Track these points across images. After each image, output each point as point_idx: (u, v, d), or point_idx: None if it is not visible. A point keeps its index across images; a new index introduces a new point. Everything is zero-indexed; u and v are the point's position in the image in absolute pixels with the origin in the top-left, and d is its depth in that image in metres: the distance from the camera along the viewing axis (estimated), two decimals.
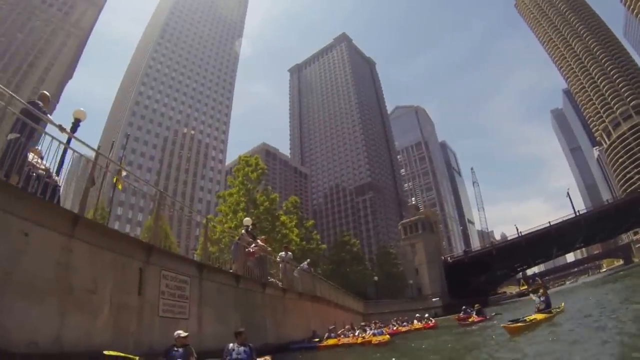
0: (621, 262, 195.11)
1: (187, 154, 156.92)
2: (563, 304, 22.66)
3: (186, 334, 11.45)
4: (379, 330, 27.62)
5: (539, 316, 18.63)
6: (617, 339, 10.65)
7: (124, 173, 16.57)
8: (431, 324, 37.73)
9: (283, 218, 60.45)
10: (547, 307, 20.20)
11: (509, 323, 16.81)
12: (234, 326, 16.82)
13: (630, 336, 10.79)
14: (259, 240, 22.79)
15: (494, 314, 34.66)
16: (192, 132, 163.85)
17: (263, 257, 22.31)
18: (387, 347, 21.85)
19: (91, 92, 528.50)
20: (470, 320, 31.10)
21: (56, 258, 9.94)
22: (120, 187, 16.19)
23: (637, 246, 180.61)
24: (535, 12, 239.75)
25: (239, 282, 18.71)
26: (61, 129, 11.44)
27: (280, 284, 24.09)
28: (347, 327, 29.49)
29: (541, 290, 21.92)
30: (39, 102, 11.67)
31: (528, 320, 17.50)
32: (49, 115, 11.62)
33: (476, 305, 35.26)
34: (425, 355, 15.83)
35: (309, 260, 35.19)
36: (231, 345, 12.08)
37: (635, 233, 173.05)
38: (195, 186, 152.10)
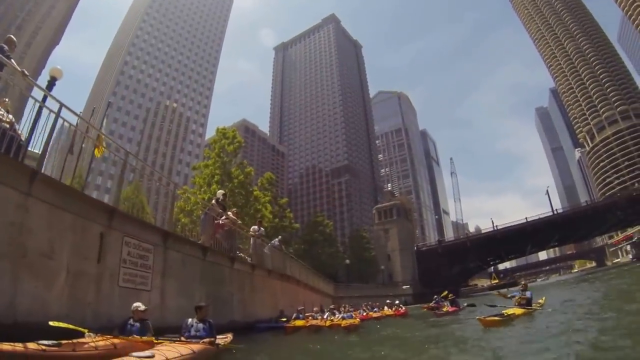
0: (593, 264, 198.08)
1: (168, 127, 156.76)
2: (544, 298, 21.72)
3: (144, 307, 10.65)
4: (349, 313, 27.14)
5: (518, 311, 17.86)
6: (589, 339, 10.13)
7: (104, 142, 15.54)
8: (402, 311, 37.41)
9: (257, 193, 59.50)
10: (527, 303, 19.35)
11: (485, 316, 15.94)
12: (199, 301, 16.08)
13: (605, 338, 10.26)
14: (230, 213, 21.98)
15: (466, 304, 33.57)
16: (175, 104, 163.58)
17: (233, 230, 21.51)
18: (357, 331, 21.24)
19: (78, 59, 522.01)
20: (444, 310, 30.68)
21: (10, 218, 9.16)
22: (98, 154, 15.27)
23: (611, 250, 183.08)
24: (530, 8, 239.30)
25: (206, 254, 17.86)
26: (23, 75, 10.52)
27: (249, 259, 23.30)
28: (315, 309, 28.60)
29: (522, 283, 21.55)
30: (4, 46, 10.89)
31: (506, 314, 16.88)
32: (13, 60, 10.71)
33: (450, 295, 34.99)
34: (396, 343, 14.89)
35: (280, 237, 34.49)
36: (190, 320, 11.23)
37: (610, 237, 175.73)
38: (174, 159, 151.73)
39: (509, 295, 21.19)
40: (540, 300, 20.60)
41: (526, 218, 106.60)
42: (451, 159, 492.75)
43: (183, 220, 42.17)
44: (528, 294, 19.64)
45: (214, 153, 56.52)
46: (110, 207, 13.00)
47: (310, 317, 25.13)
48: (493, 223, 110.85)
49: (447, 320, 24.75)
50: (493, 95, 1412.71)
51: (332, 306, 31.48)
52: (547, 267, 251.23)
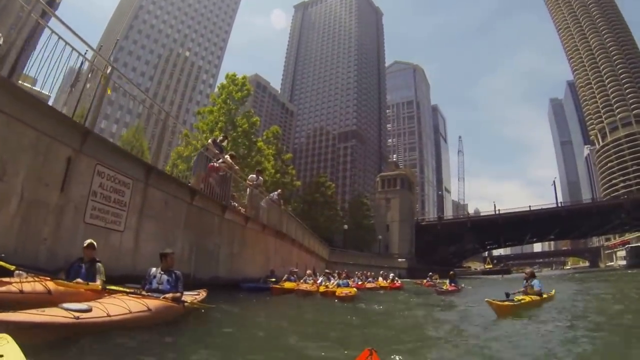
0: (587, 263, 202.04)
1: (179, 75, 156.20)
2: (554, 290, 19.95)
3: (95, 244, 8.82)
4: (345, 281, 24.63)
5: (528, 298, 15.96)
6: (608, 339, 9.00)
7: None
8: (397, 285, 35.66)
9: (260, 144, 57.49)
10: (536, 293, 16.98)
11: (495, 299, 13.63)
12: (181, 249, 14.34)
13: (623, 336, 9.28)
14: (227, 156, 19.92)
15: (462, 285, 32.35)
16: (187, 53, 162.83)
17: (228, 175, 19.55)
18: (353, 302, 18.73)
19: (91, 2, 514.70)
20: (445, 288, 28.53)
21: None
22: (109, 91, 13.50)
23: (606, 252, 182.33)
24: None
25: (194, 197, 15.91)
26: None
27: (243, 210, 21.36)
28: (308, 272, 26.41)
29: (527, 270, 19.46)
30: None
31: (516, 299, 15.09)
32: None
33: (451, 273, 32.68)
34: (402, 324, 12.89)
35: (280, 191, 32.50)
36: (154, 270, 9.12)
37: (607, 239, 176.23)
38: (181, 108, 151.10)
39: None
40: (550, 293, 18.81)
41: (530, 206, 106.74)
42: (460, 137, 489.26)
43: (180, 166, 40.54)
44: (536, 283, 17.22)
45: (220, 99, 54.38)
46: (84, 127, 10.97)
47: (302, 281, 23.49)
48: (495, 207, 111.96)
49: (451, 300, 22.87)
50: (507, 80, 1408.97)
51: (327, 271, 29.73)
52: (540, 260, 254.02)
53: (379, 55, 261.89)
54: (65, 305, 5.94)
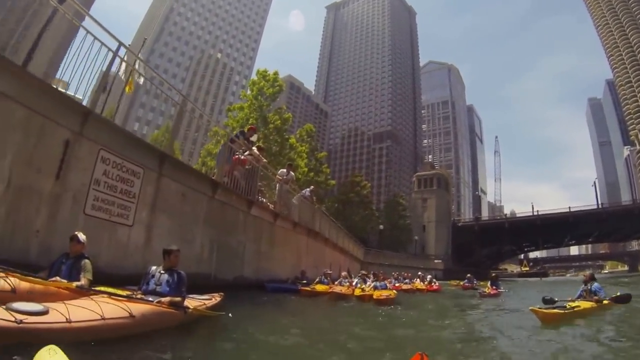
0: (625, 267, 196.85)
1: (210, 77, 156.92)
2: (618, 292, 16.59)
3: (84, 237, 7.40)
4: (382, 283, 23.43)
5: (585, 304, 13.84)
6: None
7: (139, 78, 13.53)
8: (435, 287, 34.19)
9: (293, 141, 56.36)
10: (596, 295, 14.83)
11: (541, 307, 12.17)
12: (200, 246, 13.11)
13: None
14: (254, 149, 18.57)
15: (505, 290, 30.18)
16: (219, 55, 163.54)
17: (255, 168, 18.21)
18: (392, 306, 17.18)
19: (122, 8, 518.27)
20: (486, 291, 27.19)
21: None
22: (129, 91, 13.20)
23: None
24: None
25: (216, 191, 14.57)
26: None
27: (272, 206, 20.01)
28: (344, 273, 25.04)
29: (586, 273, 16.82)
30: None
31: (569, 306, 13.03)
32: None
33: (493, 275, 32.54)
34: (450, 333, 11.38)
35: (312, 187, 31.02)
36: (154, 268, 7.76)
37: None
38: (214, 109, 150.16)
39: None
40: (613, 295, 15.95)
41: (569, 207, 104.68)
42: (496, 137, 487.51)
43: (210, 163, 39.62)
44: (596, 287, 15.12)
45: (251, 95, 53.49)
46: (84, 107, 9.71)
47: (336, 283, 21.74)
48: (533, 208, 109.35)
49: (494, 303, 21.47)
50: (543, 80, 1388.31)
51: (362, 272, 28.12)
52: (577, 264, 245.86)
53: (413, 55, 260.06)
54: (15, 305, 4.74)
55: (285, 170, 22.99)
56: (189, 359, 5.75)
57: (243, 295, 13.43)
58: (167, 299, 6.84)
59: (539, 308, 11.73)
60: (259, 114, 51.98)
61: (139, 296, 6.79)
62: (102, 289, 6.58)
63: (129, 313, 5.90)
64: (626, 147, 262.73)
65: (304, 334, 8.82)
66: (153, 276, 7.51)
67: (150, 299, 6.77)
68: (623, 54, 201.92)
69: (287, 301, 15.67)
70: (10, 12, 75.11)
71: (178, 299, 7.05)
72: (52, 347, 3.39)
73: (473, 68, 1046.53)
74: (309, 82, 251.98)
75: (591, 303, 14.08)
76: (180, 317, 7.13)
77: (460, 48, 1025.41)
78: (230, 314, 8.66)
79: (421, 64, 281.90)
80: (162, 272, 7.56)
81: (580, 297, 14.90)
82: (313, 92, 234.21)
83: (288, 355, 6.45)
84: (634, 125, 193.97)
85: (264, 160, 19.86)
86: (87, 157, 9.52)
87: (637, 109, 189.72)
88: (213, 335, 7.71)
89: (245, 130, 19.09)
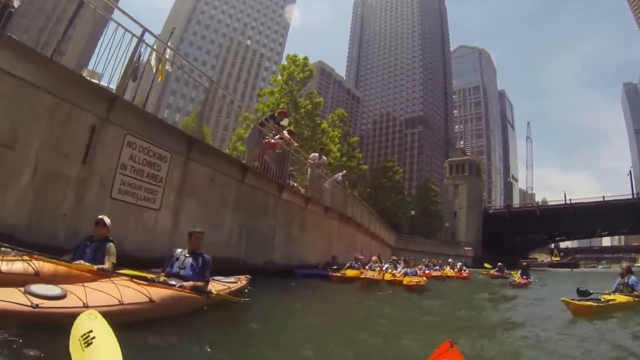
0: None
1: (241, 63, 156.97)
2: None
3: (109, 221, 7.38)
4: (413, 270, 22.77)
5: (621, 298, 13.36)
6: None
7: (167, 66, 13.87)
8: (465, 275, 34.35)
9: (324, 125, 56.39)
10: (633, 289, 14.03)
11: (574, 298, 11.95)
12: (229, 231, 13.07)
13: None
14: (285, 132, 18.44)
15: (535, 280, 30.40)
16: (248, 41, 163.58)
17: (286, 152, 17.99)
18: (422, 293, 17.40)
19: (148, 2, 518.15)
20: (517, 280, 26.67)
21: None
22: (160, 78, 13.54)
23: None
24: None
25: (245, 175, 14.48)
26: None
27: (303, 191, 19.91)
28: (374, 258, 25.03)
29: (623, 265, 15.75)
30: None
31: (603, 299, 12.78)
32: None
33: (524, 264, 31.49)
34: (479, 321, 11.56)
35: (345, 172, 30.85)
36: (179, 251, 7.69)
37: None
38: (245, 95, 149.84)
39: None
40: None
41: (603, 197, 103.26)
42: (528, 123, 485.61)
43: (241, 148, 39.65)
44: (632, 280, 14.29)
45: (282, 80, 53.36)
46: (110, 93, 9.73)
47: (366, 268, 21.77)
48: (565, 196, 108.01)
49: (524, 293, 21.36)
50: (573, 65, 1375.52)
51: (393, 257, 28.44)
52: (609, 255, 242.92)
53: (444, 40, 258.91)
54: (34, 287, 4.71)
55: (317, 154, 22.81)
56: (206, 344, 5.56)
57: (271, 280, 13.37)
58: (190, 283, 6.75)
59: (572, 299, 11.53)
60: (290, 99, 51.85)
61: (161, 279, 6.69)
62: (125, 271, 6.51)
63: (149, 298, 5.82)
64: None
65: (327, 322, 8.81)
66: (177, 259, 7.43)
67: (173, 282, 6.68)
68: None
69: (316, 287, 15.60)
70: (40, 9, 76.14)
71: (201, 283, 6.94)
72: (92, 311, 3.78)
73: (504, 53, 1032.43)
74: (340, 69, 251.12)
75: (628, 297, 13.44)
76: (203, 301, 7.05)
77: (490, 33, 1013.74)
78: (254, 299, 8.58)
79: (451, 49, 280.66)
80: (187, 255, 7.48)
81: (616, 290, 14.21)
82: (344, 78, 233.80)
83: (307, 344, 6.25)
84: None
85: (295, 144, 19.72)
86: (114, 141, 9.56)
87: None
88: (234, 320, 7.61)
89: (276, 114, 18.93)
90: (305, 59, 55.01)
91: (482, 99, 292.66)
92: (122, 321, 5.00)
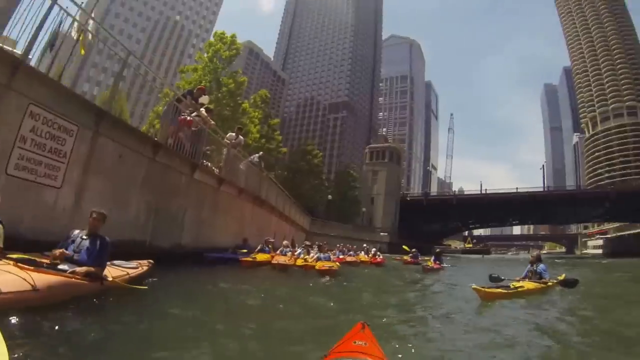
0: (563, 249, 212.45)
1: (168, 39, 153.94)
2: (564, 275, 16.99)
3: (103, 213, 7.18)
4: (326, 255, 22.91)
5: (529, 285, 14.19)
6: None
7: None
8: (379, 260, 34.40)
9: (246, 106, 55.47)
10: (541, 277, 15.12)
11: (484, 286, 12.40)
12: (135, 211, 12.51)
13: None
14: (202, 110, 17.84)
15: (447, 265, 31.95)
16: (178, 17, 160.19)
17: (202, 130, 17.48)
18: (335, 278, 17.37)
19: None
20: (429, 265, 27.93)
21: None
22: (82, 50, 12.30)
23: (583, 240, 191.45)
24: None
25: (157, 152, 13.82)
26: None
27: (217, 171, 19.32)
28: (285, 242, 24.26)
29: (534, 254, 17.63)
30: None
31: (512, 286, 13.43)
32: None
33: (437, 250, 33.65)
34: (392, 305, 11.81)
35: (261, 153, 30.65)
36: (76, 232, 7.11)
37: (585, 227, 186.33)
38: (169, 72, 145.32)
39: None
40: (559, 277, 16.49)
41: (517, 188, 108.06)
42: (452, 114, 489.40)
43: (158, 125, 38.85)
44: (541, 267, 15.28)
45: (207, 57, 52.21)
46: (13, 58, 8.93)
47: (277, 252, 21.44)
48: (481, 186, 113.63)
49: (436, 278, 22.23)
50: (504, 62, 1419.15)
51: (307, 242, 28.11)
52: (519, 243, 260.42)
53: (377, 28, 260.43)
54: None
55: (234, 134, 22.39)
56: (92, 333, 5.30)
57: (179, 265, 13.00)
58: (83, 269, 6.30)
59: (483, 287, 11.94)
60: (213, 77, 50.93)
61: (50, 262, 6.26)
62: (14, 255, 6.02)
63: (32, 285, 5.33)
64: (576, 133, 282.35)
65: (230, 310, 8.61)
66: (73, 241, 6.88)
67: (65, 267, 6.24)
68: (583, 45, 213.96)
69: (225, 272, 15.22)
70: None
71: (94, 269, 6.50)
72: None
73: (436, 45, 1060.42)
74: (270, 50, 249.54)
75: (536, 284, 14.35)
76: (96, 288, 6.62)
77: (426, 24, 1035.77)
78: (154, 287, 8.27)
79: (384, 37, 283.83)
80: (84, 237, 6.96)
81: (526, 277, 15.09)
82: (272, 59, 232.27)
83: (203, 339, 5.87)
84: (585, 114, 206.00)
85: (212, 122, 19.26)
86: (14, 111, 8.82)
87: (590, 98, 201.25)
88: (129, 309, 7.02)
89: (194, 90, 18.37)
90: (233, 36, 53.99)
91: (409, 88, 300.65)
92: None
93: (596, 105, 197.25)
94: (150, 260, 9.20)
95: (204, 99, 18.69)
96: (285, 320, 7.40)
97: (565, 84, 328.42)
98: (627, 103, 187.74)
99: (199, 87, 20.14)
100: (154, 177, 13.85)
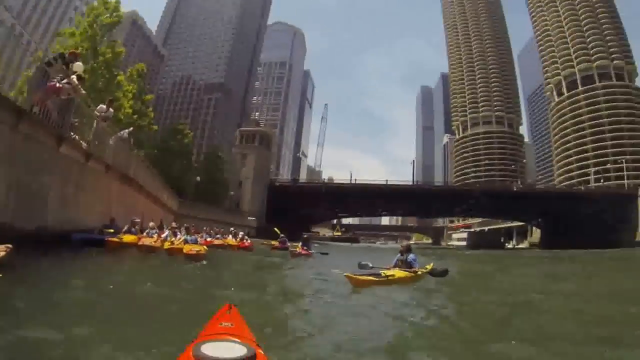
0: (430, 240, 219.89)
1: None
2: (432, 264, 17.75)
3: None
4: (193, 237, 23.03)
5: (400, 273, 14.36)
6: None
7: None
8: (247, 244, 34.92)
9: (121, 78, 53.38)
10: (409, 267, 15.24)
11: (355, 273, 13.02)
12: None
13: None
14: (73, 77, 15.95)
15: (318, 252, 32.07)
16: None
17: (72, 100, 16.14)
18: (202, 262, 17.10)
19: None
20: (297, 250, 28.68)
21: None
22: None
23: (448, 232, 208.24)
24: None
25: (20, 121, 12.36)
26: None
27: (85, 145, 17.88)
28: (152, 224, 23.44)
29: (403, 243, 16.95)
30: None
31: (384, 274, 13.70)
32: None
33: (304, 236, 34.71)
34: (261, 289, 12.13)
35: (131, 129, 29.35)
36: None
37: (451, 221, 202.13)
38: (46, 36, 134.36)
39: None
40: (427, 266, 16.88)
41: (387, 180, 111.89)
42: (326, 105, 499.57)
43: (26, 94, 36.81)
44: (411, 257, 15.46)
45: (86, 21, 49.49)
46: None
47: (144, 234, 20.93)
48: (351, 176, 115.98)
49: (305, 264, 23.20)
50: (389, 60, 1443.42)
51: (174, 224, 27.77)
52: (387, 233, 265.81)
53: (264, 12, 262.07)
54: None
55: (104, 106, 21.17)
56: None
57: (43, 248, 12.03)
58: None
59: (354, 274, 12.56)
60: (91, 44, 48.38)
61: None
62: None
63: None
64: (446, 135, 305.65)
65: (90, 299, 7.75)
66: None
67: None
68: (462, 54, 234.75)
69: (90, 255, 14.51)
70: None
71: None
72: None
73: (324, 35, 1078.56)
74: (153, 24, 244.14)
75: (406, 273, 14.49)
76: None
77: (316, 14, 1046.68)
78: (8, 276, 7.64)
79: (270, 22, 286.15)
80: None
81: (396, 266, 15.16)
82: (154, 33, 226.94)
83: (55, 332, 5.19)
84: (457, 117, 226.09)
85: (83, 91, 17.33)
86: None
87: (463, 104, 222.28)
88: None
89: (66, 54, 16.68)
90: (117, 2, 51.81)
91: (287, 75, 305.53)
92: None
93: (468, 111, 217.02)
94: (8, 245, 8.19)
95: (78, 67, 16.83)
96: (151, 306, 7.24)
97: (441, 89, 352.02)
98: (496, 113, 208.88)
99: (72, 51, 18.70)
100: (17, 150, 12.52)
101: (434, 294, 12.83)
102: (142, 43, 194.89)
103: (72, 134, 16.70)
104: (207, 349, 2.77)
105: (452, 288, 14.79)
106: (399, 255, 15.68)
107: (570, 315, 9.38)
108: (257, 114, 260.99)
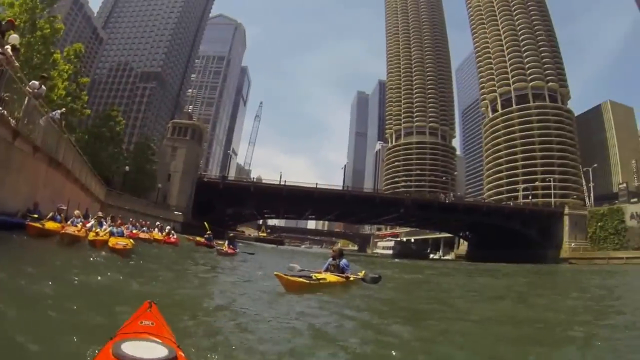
0: (356, 247, 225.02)
1: None
2: (363, 271, 17.77)
3: None
4: (120, 229, 22.36)
5: (332, 277, 14.40)
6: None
7: None
8: (173, 240, 34.54)
9: (58, 56, 51.74)
10: (341, 272, 15.33)
11: (288, 274, 12.74)
12: None
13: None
14: (7, 47, 15.44)
15: (244, 252, 32.85)
16: None
17: (4, 72, 15.13)
18: (129, 258, 16.27)
19: None
20: (224, 249, 28.83)
21: None
22: None
23: (374, 240, 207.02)
24: (399, 2, 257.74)
25: None
26: None
27: (13, 123, 16.65)
28: (76, 212, 22.28)
29: (335, 248, 17.20)
30: None
31: (315, 277, 13.52)
32: None
33: (230, 235, 34.50)
34: (187, 286, 12.43)
35: (63, 110, 28.87)
36: None
37: (379, 229, 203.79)
38: None
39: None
40: (360, 272, 17.14)
41: (317, 184, 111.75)
42: (261, 103, 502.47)
43: None
44: (343, 262, 15.53)
45: None
46: None
47: (69, 223, 19.92)
48: (281, 177, 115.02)
49: (232, 263, 23.75)
50: (328, 62, 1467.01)
51: (100, 214, 25.97)
52: (313, 237, 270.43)
53: (207, 3, 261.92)
54: None
55: (36, 82, 20.12)
56: None
57: None
58: None
59: (285, 274, 12.36)
60: (30, 17, 47.02)
61: None
62: None
63: None
64: (379, 142, 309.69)
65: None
66: None
67: None
68: (401, 63, 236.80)
69: (9, 241, 13.81)
70: None
71: None
72: None
73: (265, 32, 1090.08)
74: (95, 4, 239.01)
75: (338, 277, 14.65)
76: None
77: (260, 10, 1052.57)
78: None
79: (213, 15, 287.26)
80: None
81: (327, 270, 15.27)
82: (95, 15, 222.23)
83: None
84: (391, 126, 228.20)
85: (16, 63, 16.74)
86: None
87: (397, 112, 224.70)
88: None
89: (2, 22, 16.31)
90: None
91: (224, 70, 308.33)
92: None
93: (402, 120, 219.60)
94: None
95: (14, 39, 16.70)
96: (70, 302, 6.65)
97: (378, 95, 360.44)
98: (430, 124, 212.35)
99: (9, 19, 17.63)
100: None
101: (366, 296, 13.32)
102: (82, 23, 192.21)
103: (1, 108, 15.50)
104: (127, 348, 2.75)
105: (385, 293, 15.32)
106: (330, 259, 15.66)
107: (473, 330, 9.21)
108: (190, 107, 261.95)
